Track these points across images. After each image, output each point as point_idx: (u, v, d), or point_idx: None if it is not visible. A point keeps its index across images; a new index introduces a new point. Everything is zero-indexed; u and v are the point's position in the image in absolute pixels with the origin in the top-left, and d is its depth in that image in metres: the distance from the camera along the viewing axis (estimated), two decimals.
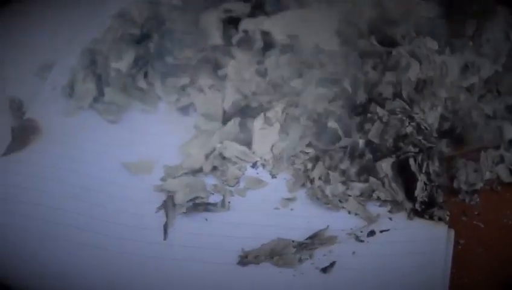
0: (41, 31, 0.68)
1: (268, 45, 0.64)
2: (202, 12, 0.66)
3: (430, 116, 0.58)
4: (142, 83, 0.63)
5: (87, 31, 0.66)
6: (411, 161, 0.54)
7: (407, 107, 0.56)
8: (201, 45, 0.66)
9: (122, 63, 0.63)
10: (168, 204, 0.55)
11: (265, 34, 0.64)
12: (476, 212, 0.54)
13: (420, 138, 0.55)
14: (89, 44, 0.65)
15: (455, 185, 0.56)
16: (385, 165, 0.55)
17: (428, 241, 0.50)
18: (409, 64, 0.58)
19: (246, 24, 0.65)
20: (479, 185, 0.56)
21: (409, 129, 0.55)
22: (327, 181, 0.56)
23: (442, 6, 0.63)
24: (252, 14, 0.66)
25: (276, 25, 0.64)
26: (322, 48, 0.63)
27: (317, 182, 0.56)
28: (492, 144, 0.59)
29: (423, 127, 0.55)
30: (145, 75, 0.64)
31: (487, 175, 0.57)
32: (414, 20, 0.62)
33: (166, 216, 0.54)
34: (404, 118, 0.56)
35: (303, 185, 0.56)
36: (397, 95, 0.57)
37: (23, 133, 0.59)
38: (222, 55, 0.64)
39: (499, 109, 0.60)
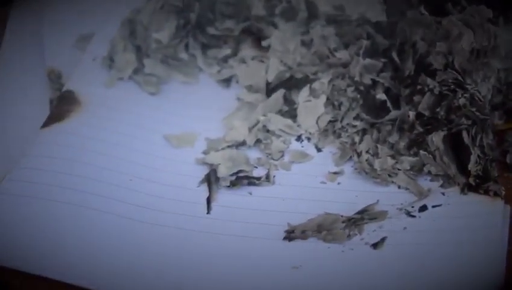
0: (79, 1, 0.67)
1: (312, 15, 0.62)
2: None
3: (483, 88, 0.55)
4: (183, 54, 0.62)
5: (127, 0, 0.65)
6: (464, 134, 0.52)
7: (459, 77, 0.54)
8: (243, 15, 0.64)
9: (163, 33, 0.61)
10: (211, 177, 0.53)
11: (309, 4, 0.62)
12: None
13: (474, 109, 0.53)
14: (129, 14, 0.63)
15: (508, 159, 0.54)
16: (436, 139, 0.52)
17: (483, 216, 0.48)
18: (461, 33, 0.55)
19: None
20: None
21: (461, 101, 0.53)
22: (375, 155, 0.54)
23: None
24: None
25: None
26: (368, 18, 0.61)
27: (364, 156, 0.54)
28: None
29: (477, 98, 0.53)
30: (186, 46, 0.62)
31: None
32: None
33: (209, 190, 0.53)
34: (457, 89, 0.54)
35: (350, 158, 0.54)
36: (449, 65, 0.55)
37: (62, 105, 0.58)
38: (265, 25, 0.63)
39: None
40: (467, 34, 0.55)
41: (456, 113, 0.53)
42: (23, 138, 0.56)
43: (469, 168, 0.51)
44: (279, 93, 0.58)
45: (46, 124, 0.56)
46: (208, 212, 0.51)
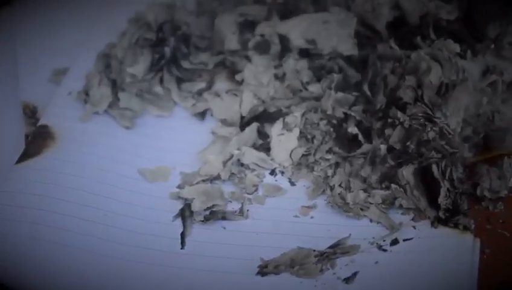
0: (55, 35, 0.67)
1: (285, 48, 0.63)
2: (218, 16, 0.66)
3: (452, 121, 0.56)
4: (157, 88, 0.62)
5: (102, 35, 0.65)
6: (434, 167, 0.53)
7: (429, 111, 0.55)
8: (217, 49, 0.65)
9: (138, 67, 0.62)
10: (185, 212, 0.54)
11: (282, 38, 0.63)
12: (501, 221, 0.53)
13: (443, 143, 0.54)
14: (105, 48, 0.64)
15: (478, 192, 0.55)
16: (407, 172, 0.53)
17: (453, 250, 0.49)
18: (429, 67, 0.56)
19: (263, 28, 0.64)
20: (503, 193, 0.54)
21: (431, 134, 0.54)
22: (348, 188, 0.54)
23: (462, 9, 0.61)
24: (268, 18, 0.65)
25: (294, 29, 0.63)
26: (340, 51, 0.62)
27: (337, 189, 0.54)
28: None
29: (446, 132, 0.54)
30: (161, 80, 0.63)
31: (511, 182, 0.55)
32: (434, 22, 0.61)
33: (183, 225, 0.53)
34: (426, 122, 0.55)
35: (323, 192, 0.55)
36: (418, 99, 0.56)
37: (38, 140, 0.58)
38: (239, 59, 0.63)
39: None
40: (435, 69, 0.56)
41: (426, 146, 0.54)
42: None
43: (439, 202, 0.52)
44: (253, 126, 0.58)
45: (20, 160, 0.56)
46: (182, 248, 0.52)
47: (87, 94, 0.61)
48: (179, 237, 0.52)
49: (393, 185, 0.54)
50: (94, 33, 0.66)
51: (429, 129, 0.54)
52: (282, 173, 0.57)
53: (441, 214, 0.52)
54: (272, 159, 0.57)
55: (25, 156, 0.57)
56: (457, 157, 0.54)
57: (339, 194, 0.54)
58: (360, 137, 0.56)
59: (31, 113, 0.62)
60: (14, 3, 0.69)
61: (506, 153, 0.57)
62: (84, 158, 0.57)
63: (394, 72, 0.59)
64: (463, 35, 0.61)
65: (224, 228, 0.53)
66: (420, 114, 0.55)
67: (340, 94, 0.58)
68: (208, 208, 0.54)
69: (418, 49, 0.58)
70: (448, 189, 0.52)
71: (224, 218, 0.53)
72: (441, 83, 0.56)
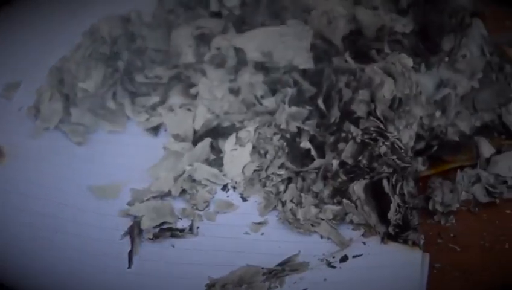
0: (6, 49, 0.66)
1: (241, 62, 0.63)
2: (174, 29, 0.65)
3: (405, 135, 0.56)
4: (110, 103, 0.62)
5: (56, 48, 0.64)
6: (385, 182, 0.53)
7: (381, 126, 0.55)
8: (172, 63, 0.64)
9: (90, 82, 0.61)
10: (134, 230, 0.53)
11: (238, 51, 0.63)
12: (452, 235, 0.53)
13: (394, 157, 0.53)
14: (57, 62, 0.63)
15: (430, 206, 0.55)
16: (357, 188, 0.53)
17: (402, 266, 0.49)
18: (383, 81, 0.56)
19: (219, 41, 0.63)
20: (455, 206, 0.54)
21: (383, 149, 0.54)
22: (299, 204, 0.54)
23: (417, 22, 0.61)
24: (225, 31, 0.65)
25: (250, 42, 0.63)
26: (295, 65, 0.62)
27: (289, 205, 0.54)
28: (468, 162, 0.57)
29: (397, 147, 0.54)
30: (114, 95, 0.62)
31: (463, 195, 0.55)
32: (389, 36, 0.61)
33: (132, 243, 0.52)
34: (378, 137, 0.54)
35: (274, 208, 0.54)
36: (371, 113, 0.56)
37: None
38: (194, 73, 0.63)
39: (475, 126, 0.58)
40: (388, 83, 0.56)
41: (378, 161, 0.54)
42: None
43: (389, 217, 0.51)
44: (206, 142, 0.58)
45: None
46: (129, 267, 0.51)
47: (37, 109, 0.60)
48: (127, 255, 0.51)
49: (344, 200, 0.53)
50: (47, 47, 0.65)
51: (381, 144, 0.54)
52: (234, 188, 0.56)
53: (390, 229, 0.51)
54: (224, 175, 0.57)
55: None
56: (409, 172, 0.54)
57: (290, 210, 0.54)
58: (313, 152, 0.56)
59: None
60: None
61: (459, 165, 0.57)
62: (33, 176, 0.56)
63: (349, 85, 0.59)
64: (418, 49, 0.60)
65: (173, 246, 0.52)
66: (372, 128, 0.55)
67: (294, 108, 0.58)
68: (157, 226, 0.53)
69: (372, 63, 0.58)
70: (398, 204, 0.52)
71: (173, 236, 0.52)
72: (394, 97, 0.56)
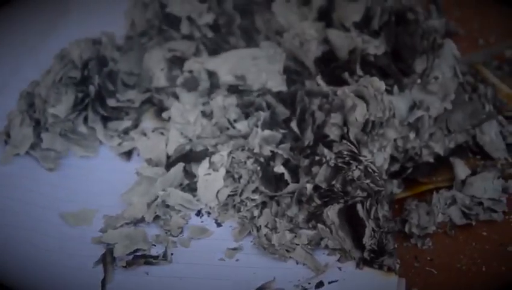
0: None
1: (214, 85, 0.62)
2: (146, 52, 0.64)
3: (379, 158, 0.56)
4: (81, 128, 0.61)
5: (26, 72, 0.64)
6: (359, 207, 0.52)
7: (354, 149, 0.55)
8: (145, 86, 0.64)
9: (61, 107, 0.60)
10: (107, 258, 0.52)
11: (211, 74, 0.63)
12: (429, 258, 0.53)
13: (368, 181, 0.53)
14: (28, 87, 0.62)
15: (407, 229, 0.54)
16: (331, 213, 0.53)
17: None
18: (355, 104, 0.56)
19: (191, 64, 0.63)
20: (432, 229, 0.54)
21: (356, 173, 0.53)
22: (274, 229, 0.53)
23: (389, 43, 0.61)
24: (197, 53, 0.64)
25: (223, 65, 0.63)
26: (269, 88, 0.61)
27: (263, 230, 0.53)
28: (444, 183, 0.57)
29: (371, 170, 0.54)
30: (85, 119, 0.61)
31: (440, 217, 0.55)
32: (362, 57, 0.61)
33: (104, 271, 0.51)
34: (351, 161, 0.54)
35: (249, 233, 0.54)
36: (344, 137, 0.56)
37: None
38: (166, 96, 0.62)
39: (450, 147, 0.59)
40: (360, 106, 0.56)
41: (352, 185, 0.53)
42: None
43: (364, 242, 0.51)
44: (179, 167, 0.57)
45: None
46: None
47: (8, 135, 0.59)
48: (100, 284, 0.51)
49: (319, 225, 0.53)
50: (18, 70, 0.65)
51: (354, 168, 0.54)
52: (209, 213, 0.56)
53: (365, 255, 0.51)
54: (198, 200, 0.56)
55: None
56: (383, 196, 0.53)
57: (265, 235, 0.53)
58: (287, 176, 0.55)
59: None
60: None
61: (434, 187, 0.57)
62: (4, 203, 0.55)
63: (321, 108, 0.58)
64: (390, 70, 0.61)
65: (147, 273, 0.51)
66: (345, 152, 0.55)
67: (267, 132, 0.57)
68: (131, 253, 0.52)
69: (344, 86, 0.58)
70: (373, 229, 0.52)
71: (147, 263, 0.52)
72: (367, 120, 0.56)
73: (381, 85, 0.56)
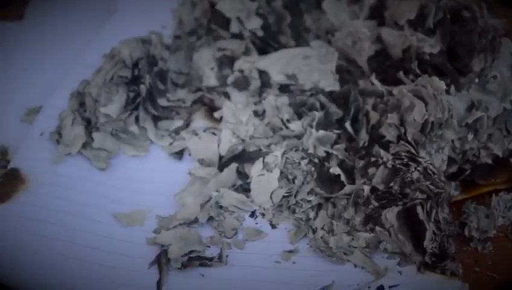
0: (27, 72, 0.65)
1: (265, 84, 0.62)
2: (195, 51, 0.64)
3: (437, 159, 0.55)
4: (133, 127, 0.60)
5: (77, 72, 0.63)
6: (419, 209, 0.51)
7: (412, 150, 0.53)
8: (195, 86, 0.63)
9: (112, 107, 0.59)
10: (162, 259, 0.51)
11: (262, 73, 0.62)
12: (490, 262, 0.51)
13: (427, 183, 0.52)
14: (78, 86, 0.61)
15: (466, 232, 0.53)
16: (390, 215, 0.51)
17: None
18: (413, 104, 0.55)
19: (242, 63, 0.62)
20: (492, 232, 0.53)
21: (415, 174, 0.52)
22: (331, 231, 0.52)
23: (445, 42, 0.60)
24: (247, 53, 0.64)
25: (273, 64, 0.62)
26: (321, 87, 0.60)
27: (320, 233, 0.52)
28: (504, 186, 0.56)
29: (430, 172, 0.52)
30: (137, 119, 0.61)
31: (500, 221, 0.53)
32: (417, 56, 0.59)
33: (160, 273, 0.51)
34: (410, 162, 0.53)
35: (305, 235, 0.53)
36: (401, 137, 0.54)
37: (7, 184, 0.55)
38: (217, 96, 0.62)
39: (509, 148, 0.57)
40: (419, 106, 0.54)
41: (410, 187, 0.52)
42: None
43: (424, 246, 0.50)
44: (232, 167, 0.56)
45: None
46: None
47: (59, 134, 0.59)
48: (156, 286, 0.50)
49: (377, 228, 0.52)
50: (68, 70, 0.64)
51: (413, 169, 0.52)
52: (263, 215, 0.55)
53: (427, 258, 0.50)
54: (251, 201, 0.55)
55: None
56: (443, 198, 0.52)
57: (321, 237, 0.52)
58: (343, 177, 0.54)
59: (1, 155, 0.59)
60: None
61: (493, 189, 0.56)
62: (56, 203, 0.55)
63: (376, 108, 0.57)
64: (446, 69, 0.59)
65: (203, 275, 0.51)
66: (404, 153, 0.53)
67: (321, 132, 0.56)
68: (185, 254, 0.52)
69: (400, 85, 0.57)
70: (434, 232, 0.50)
71: (202, 265, 0.51)
72: (426, 121, 0.54)
73: (442, 85, 0.54)
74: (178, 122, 0.61)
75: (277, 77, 0.61)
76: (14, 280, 0.49)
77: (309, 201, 0.54)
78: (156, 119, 0.61)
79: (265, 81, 0.62)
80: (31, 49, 0.67)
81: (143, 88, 0.61)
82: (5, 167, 0.58)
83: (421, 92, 0.55)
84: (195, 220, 0.54)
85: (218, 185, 0.56)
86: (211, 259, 0.51)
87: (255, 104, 0.61)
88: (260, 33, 0.64)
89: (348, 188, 0.53)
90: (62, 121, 0.60)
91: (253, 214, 0.55)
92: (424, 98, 0.55)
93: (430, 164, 0.53)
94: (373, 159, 0.55)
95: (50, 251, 0.51)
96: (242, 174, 0.57)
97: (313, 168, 0.56)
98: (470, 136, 0.56)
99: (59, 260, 0.51)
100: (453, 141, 0.56)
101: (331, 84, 0.60)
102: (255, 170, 0.56)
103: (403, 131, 0.55)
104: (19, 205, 0.54)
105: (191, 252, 0.52)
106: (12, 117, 0.62)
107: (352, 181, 0.54)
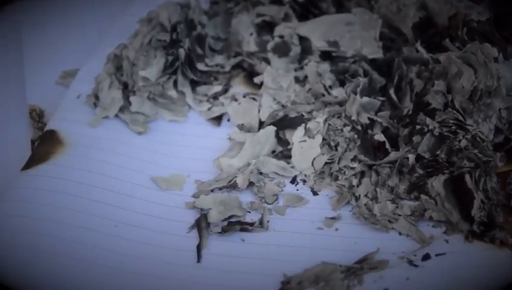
0: (64, 35, 0.64)
1: (306, 51, 0.60)
2: (234, 16, 0.63)
3: (485, 128, 0.53)
4: (171, 92, 0.59)
5: (114, 35, 0.62)
6: (467, 177, 0.50)
7: (460, 118, 0.52)
8: (234, 51, 0.62)
9: (151, 70, 0.58)
10: (202, 223, 0.50)
11: (303, 39, 0.60)
12: None
13: (476, 151, 0.50)
14: (116, 50, 0.60)
15: None
16: (437, 184, 0.50)
17: (490, 266, 0.46)
18: (460, 71, 0.53)
19: (282, 29, 0.61)
20: None
21: (463, 142, 0.51)
22: (374, 199, 0.51)
23: (493, 10, 0.58)
24: (286, 19, 0.62)
25: (315, 31, 0.60)
26: (364, 54, 0.59)
27: (363, 200, 0.51)
28: None
29: (479, 140, 0.51)
30: (175, 83, 0.60)
31: None
32: (464, 24, 0.58)
33: (200, 236, 0.50)
34: (458, 130, 0.51)
35: (348, 202, 0.52)
36: (448, 105, 0.53)
37: (45, 146, 0.55)
38: (257, 61, 0.60)
39: None
40: (467, 73, 0.53)
41: (458, 155, 0.51)
42: (1, 181, 0.52)
43: (472, 214, 0.48)
44: (271, 129, 0.55)
45: (27, 166, 0.53)
46: (198, 261, 0.48)
47: (97, 97, 0.58)
48: (195, 249, 0.49)
49: (422, 196, 0.50)
50: (104, 34, 0.63)
51: (461, 137, 0.51)
52: (304, 181, 0.54)
53: (475, 227, 0.48)
54: (292, 167, 0.54)
55: (31, 162, 0.54)
56: (491, 167, 0.51)
57: (365, 205, 0.51)
58: (387, 145, 0.53)
59: (37, 117, 0.59)
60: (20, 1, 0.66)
61: None
62: (93, 165, 0.54)
63: (420, 76, 0.56)
64: (494, 37, 0.57)
65: (243, 240, 0.50)
66: (451, 121, 0.52)
67: (365, 99, 0.55)
68: (225, 219, 0.51)
69: (448, 52, 0.55)
70: (482, 200, 0.49)
71: (243, 230, 0.50)
72: (475, 88, 0.53)
73: (493, 51, 0.52)
74: (217, 88, 0.60)
75: (318, 43, 0.60)
76: (51, 236, 0.49)
77: (352, 168, 0.53)
78: (194, 84, 0.60)
79: (306, 47, 0.60)
80: (67, 13, 0.66)
81: (182, 52, 0.60)
82: (41, 129, 0.57)
83: (470, 59, 0.53)
84: (235, 185, 0.53)
85: (255, 146, 0.54)
86: (251, 224, 0.50)
87: (296, 70, 0.60)
88: None
89: (393, 155, 0.52)
90: (99, 84, 0.59)
91: (294, 181, 0.54)
92: (473, 65, 0.53)
93: (479, 131, 0.51)
94: (418, 127, 0.53)
95: (88, 212, 0.51)
96: (283, 141, 0.55)
97: (355, 136, 0.54)
98: None
99: (96, 221, 0.50)
100: (499, 110, 0.54)
101: (374, 51, 0.59)
102: (296, 136, 0.55)
103: (450, 98, 0.53)
104: (57, 167, 0.53)
105: (231, 217, 0.51)
106: (48, 80, 0.61)
107: (396, 149, 0.53)
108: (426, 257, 0.47)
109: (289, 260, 0.48)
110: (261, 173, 0.54)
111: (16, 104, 0.59)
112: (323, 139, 0.54)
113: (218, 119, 0.59)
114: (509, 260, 0.46)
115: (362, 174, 0.53)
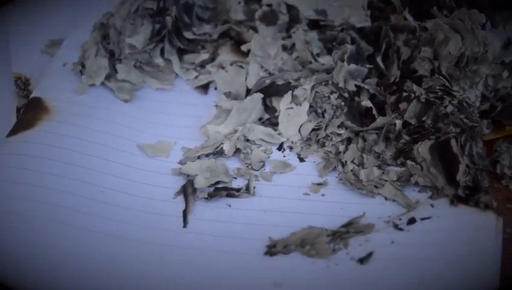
0: (49, 4, 0.64)
1: (294, 19, 0.60)
2: None
3: (471, 95, 0.53)
4: (158, 60, 0.59)
5: (100, 3, 0.62)
6: (453, 142, 0.50)
7: (447, 84, 0.52)
8: (222, 19, 0.61)
9: (138, 38, 0.58)
10: (188, 189, 0.50)
11: (290, 8, 0.60)
12: None
13: (462, 117, 0.50)
14: (102, 18, 0.60)
15: (498, 170, 0.52)
16: (423, 149, 0.50)
17: (475, 230, 0.46)
18: (447, 38, 0.53)
19: None
20: None
21: (449, 108, 0.51)
22: (361, 165, 0.51)
23: None
24: None
25: (302, 0, 0.60)
26: (352, 23, 0.59)
27: (350, 166, 0.51)
28: None
29: (465, 105, 0.51)
30: (162, 51, 0.59)
31: None
32: None
33: (186, 202, 0.50)
34: (445, 96, 0.51)
35: (334, 168, 0.52)
36: (435, 71, 0.53)
37: (30, 113, 0.55)
38: (245, 29, 0.60)
39: None
40: (454, 39, 0.52)
41: (444, 121, 0.51)
42: None
43: (458, 179, 0.49)
44: (257, 96, 0.55)
45: (12, 133, 0.53)
46: (184, 226, 0.48)
47: (83, 65, 0.58)
48: (181, 214, 0.49)
49: (408, 162, 0.50)
50: (90, 2, 0.63)
51: (447, 103, 0.51)
52: (291, 148, 0.54)
53: (460, 192, 0.48)
54: (279, 134, 0.54)
55: (17, 129, 0.53)
56: (477, 132, 0.51)
57: (351, 170, 0.51)
58: (374, 111, 0.53)
59: (23, 85, 0.58)
60: None
61: None
62: (79, 132, 0.54)
63: (407, 44, 0.56)
64: (482, 4, 0.57)
65: (230, 205, 0.50)
66: (437, 87, 0.52)
67: (353, 66, 0.55)
68: (212, 185, 0.51)
69: (436, 19, 0.55)
70: (467, 165, 0.49)
71: (229, 195, 0.50)
72: (462, 55, 0.52)
73: (481, 18, 0.52)
74: (204, 56, 0.60)
75: (306, 12, 0.60)
76: (36, 201, 0.48)
77: (339, 134, 0.53)
78: (181, 52, 0.60)
79: (294, 16, 0.60)
80: None
81: (169, 20, 0.59)
82: (27, 97, 0.57)
83: (458, 26, 0.53)
84: (221, 152, 0.53)
85: (242, 113, 0.54)
86: (238, 190, 0.50)
87: (283, 38, 0.59)
88: None
89: (379, 121, 0.52)
90: (85, 52, 0.59)
91: (280, 147, 0.54)
92: (460, 31, 0.53)
93: (466, 96, 0.51)
94: (405, 94, 0.53)
95: (73, 178, 0.51)
96: (270, 108, 0.55)
97: (342, 103, 0.54)
98: (505, 74, 0.55)
99: (81, 187, 0.50)
100: (486, 77, 0.54)
101: (362, 20, 0.59)
102: (283, 103, 0.55)
103: (436, 65, 0.53)
104: (42, 133, 0.53)
105: (217, 183, 0.51)
106: (34, 49, 0.61)
107: (382, 116, 0.53)
108: (411, 221, 0.47)
109: (275, 225, 0.48)
110: (247, 140, 0.54)
111: (1, 73, 0.58)
112: (310, 106, 0.54)
113: (205, 88, 0.58)
114: (493, 224, 0.46)
115: (349, 140, 0.53)
